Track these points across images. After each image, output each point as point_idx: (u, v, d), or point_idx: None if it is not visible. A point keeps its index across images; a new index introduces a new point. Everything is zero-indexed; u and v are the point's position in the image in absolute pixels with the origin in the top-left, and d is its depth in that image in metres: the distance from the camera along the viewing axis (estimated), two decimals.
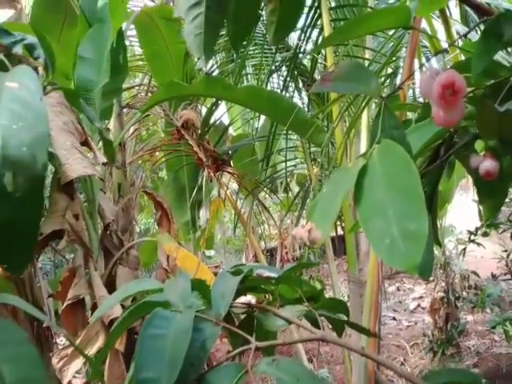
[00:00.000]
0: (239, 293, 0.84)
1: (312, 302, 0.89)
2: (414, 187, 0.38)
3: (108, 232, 1.89)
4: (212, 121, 3.25)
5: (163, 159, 3.23)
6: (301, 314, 0.75)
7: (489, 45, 0.64)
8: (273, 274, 0.79)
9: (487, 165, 0.74)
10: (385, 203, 0.39)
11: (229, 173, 2.84)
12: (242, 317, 0.83)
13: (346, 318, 0.84)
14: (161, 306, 0.60)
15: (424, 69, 0.63)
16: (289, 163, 3.74)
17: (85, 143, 1.65)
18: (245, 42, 2.94)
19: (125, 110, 3.06)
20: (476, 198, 0.91)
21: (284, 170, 3.57)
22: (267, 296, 0.93)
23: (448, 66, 0.72)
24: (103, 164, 1.68)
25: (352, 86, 0.55)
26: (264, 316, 0.77)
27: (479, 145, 0.92)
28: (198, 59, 0.61)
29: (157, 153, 3.38)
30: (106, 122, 2.29)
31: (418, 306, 5.31)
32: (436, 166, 0.81)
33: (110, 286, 1.82)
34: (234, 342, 0.80)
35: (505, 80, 0.74)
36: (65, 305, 1.43)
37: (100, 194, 1.91)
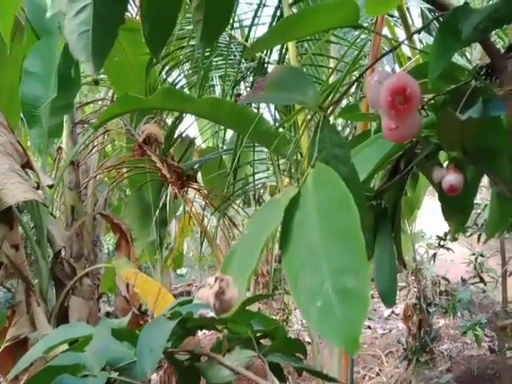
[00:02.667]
0: (182, 337, 0.74)
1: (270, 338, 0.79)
2: (352, 230, 0.28)
3: (59, 260, 1.74)
4: (177, 134, 3.14)
5: (125, 176, 3.08)
6: (249, 360, 0.65)
7: (446, 44, 0.56)
8: None
9: (450, 179, 0.66)
10: (318, 250, 0.29)
11: (194, 189, 2.72)
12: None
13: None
14: (68, 370, 0.49)
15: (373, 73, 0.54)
16: (261, 175, 3.67)
17: (27, 165, 1.52)
18: (208, 53, 2.86)
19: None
20: None
21: (256, 181, 3.48)
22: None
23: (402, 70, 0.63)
24: (49, 186, 1.54)
25: (286, 96, 0.46)
26: (208, 365, 0.66)
27: (444, 154, 0.85)
28: (84, 63, 0.49)
29: (124, 169, 3.24)
30: (57, 140, 2.15)
31: (392, 312, 5.30)
32: (396, 180, 0.73)
33: (63, 319, 1.67)
34: None
35: (465, 85, 0.67)
36: (2, 347, 1.28)
37: (50, 218, 1.77)
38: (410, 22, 1.92)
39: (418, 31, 0.72)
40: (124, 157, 2.82)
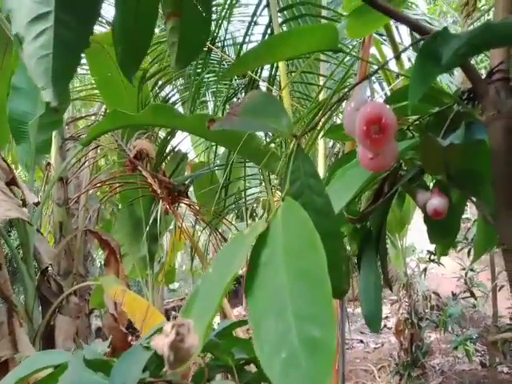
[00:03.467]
0: (161, 366, 0.72)
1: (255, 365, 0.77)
2: (320, 275, 0.27)
3: (46, 277, 1.71)
4: (169, 148, 3.13)
5: (117, 191, 3.06)
6: None
7: (426, 69, 0.56)
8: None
9: (435, 203, 0.65)
10: (284, 295, 0.27)
11: (185, 204, 2.71)
12: None
13: None
14: None
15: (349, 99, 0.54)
16: (254, 190, 3.66)
17: (12, 182, 1.49)
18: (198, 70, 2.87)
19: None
20: None
21: (249, 197, 3.47)
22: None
23: (381, 95, 0.63)
24: (35, 204, 1.52)
25: (261, 123, 0.44)
26: None
27: (429, 176, 0.84)
28: (44, 89, 0.46)
29: (116, 184, 3.21)
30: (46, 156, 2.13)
31: (385, 326, 5.28)
32: (381, 202, 0.72)
33: (49, 339, 1.64)
34: None
35: (448, 108, 0.66)
36: None
37: (37, 235, 1.74)
38: (398, 40, 1.94)
39: (398, 56, 0.72)
40: (115, 172, 2.80)
